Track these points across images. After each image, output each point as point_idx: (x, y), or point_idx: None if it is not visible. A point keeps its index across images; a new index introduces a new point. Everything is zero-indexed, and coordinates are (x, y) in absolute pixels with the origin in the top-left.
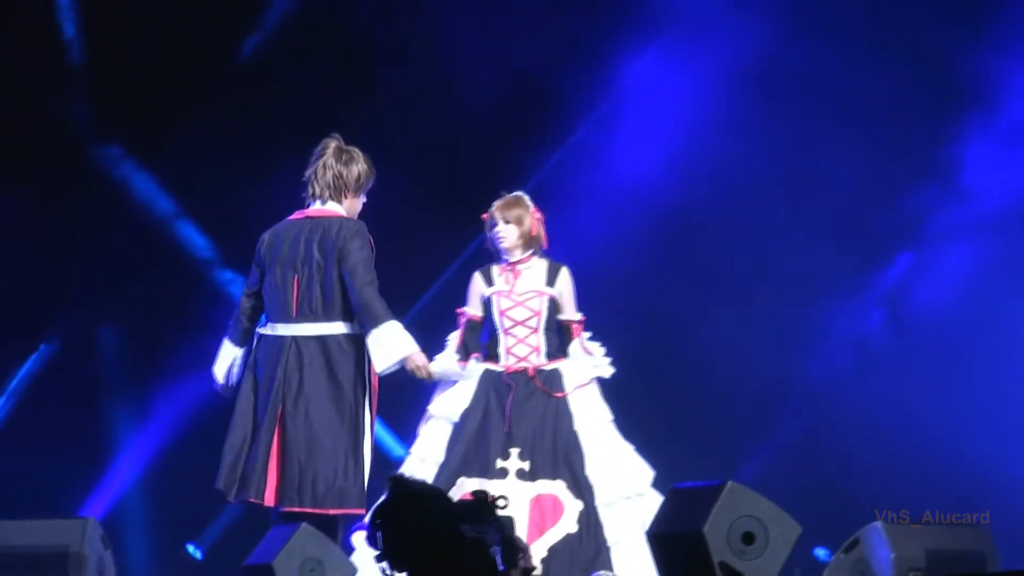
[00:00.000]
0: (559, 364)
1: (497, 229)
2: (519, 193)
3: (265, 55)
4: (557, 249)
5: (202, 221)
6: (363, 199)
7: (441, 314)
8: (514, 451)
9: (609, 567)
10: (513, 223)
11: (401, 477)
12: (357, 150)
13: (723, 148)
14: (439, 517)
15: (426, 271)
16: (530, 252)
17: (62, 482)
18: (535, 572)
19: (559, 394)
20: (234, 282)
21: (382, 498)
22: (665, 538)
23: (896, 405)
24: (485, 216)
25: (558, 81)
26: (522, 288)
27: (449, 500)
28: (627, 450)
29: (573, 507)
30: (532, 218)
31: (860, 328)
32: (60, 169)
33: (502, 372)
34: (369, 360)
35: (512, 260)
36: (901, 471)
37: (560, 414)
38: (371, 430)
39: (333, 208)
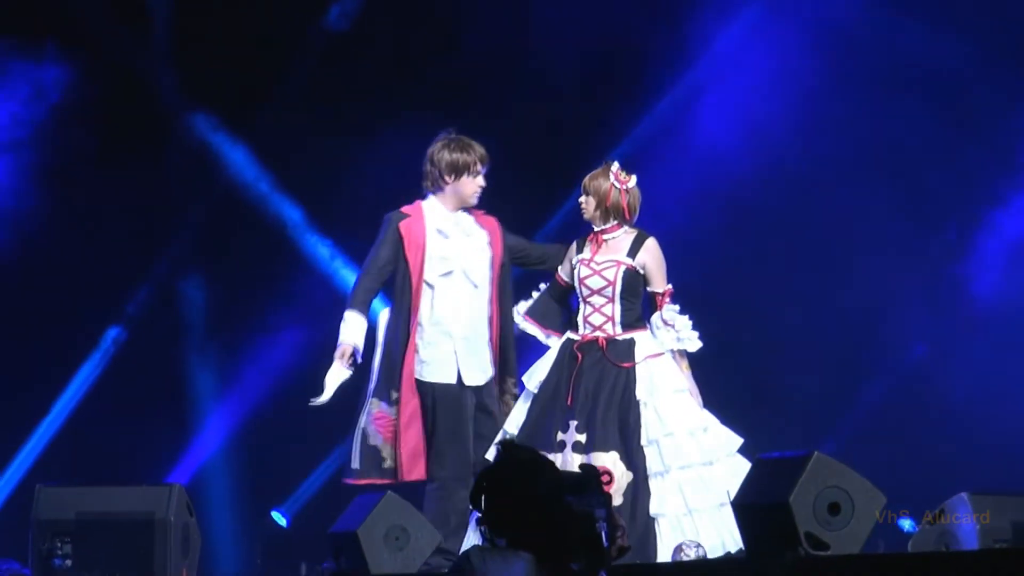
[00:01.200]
0: (634, 334)
1: (580, 199)
2: (609, 163)
3: (351, 23)
4: (643, 217)
5: (292, 190)
6: (468, 181)
7: (532, 283)
8: (573, 423)
9: (655, 539)
10: (592, 194)
11: (511, 443)
12: (463, 138)
13: (807, 116)
14: (546, 486)
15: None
16: (615, 223)
17: (149, 449)
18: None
19: (626, 364)
20: (319, 249)
21: (491, 463)
22: (751, 508)
23: (982, 376)
24: None
25: (643, 47)
26: (602, 258)
27: (557, 470)
28: (701, 419)
29: (623, 479)
30: (613, 189)
31: (943, 299)
32: (152, 139)
33: (577, 341)
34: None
35: (596, 229)
36: (987, 441)
37: (624, 385)
38: (366, 405)
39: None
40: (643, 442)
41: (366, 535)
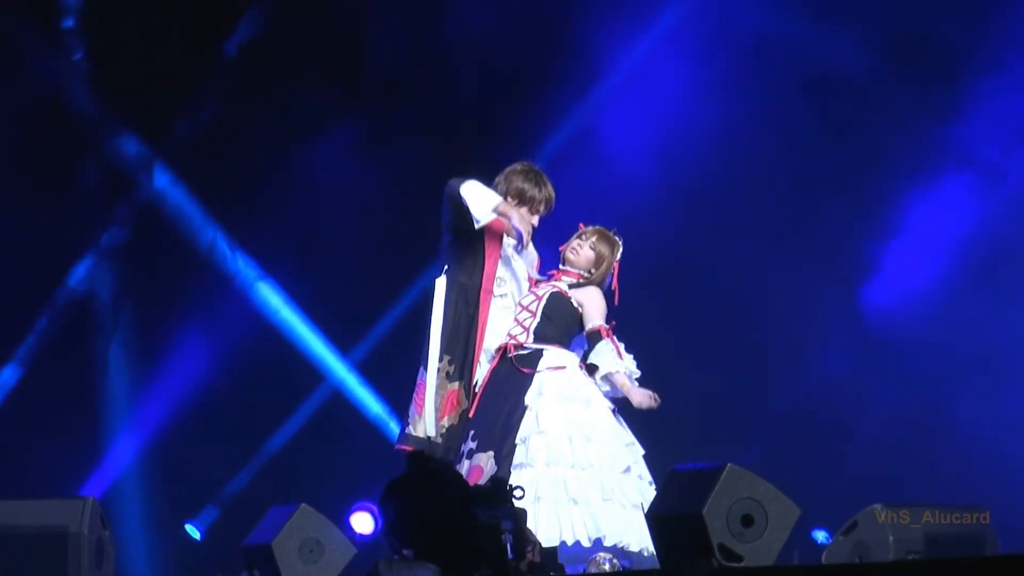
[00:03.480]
0: (545, 347)
1: (576, 240)
2: (620, 237)
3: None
4: (552, 230)
5: (207, 203)
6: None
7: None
8: (471, 432)
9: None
10: (594, 251)
11: (420, 454)
12: (541, 173)
13: (716, 130)
14: (454, 498)
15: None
16: (583, 278)
17: (61, 462)
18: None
19: (527, 370)
20: (234, 262)
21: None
22: (665, 520)
23: (898, 389)
24: (582, 226)
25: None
26: (545, 287)
27: (464, 482)
28: (589, 429)
29: (490, 476)
30: (613, 264)
31: (863, 312)
32: (64, 150)
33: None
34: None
35: (561, 268)
36: (901, 454)
37: (518, 389)
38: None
39: None
40: (516, 441)
41: (280, 548)
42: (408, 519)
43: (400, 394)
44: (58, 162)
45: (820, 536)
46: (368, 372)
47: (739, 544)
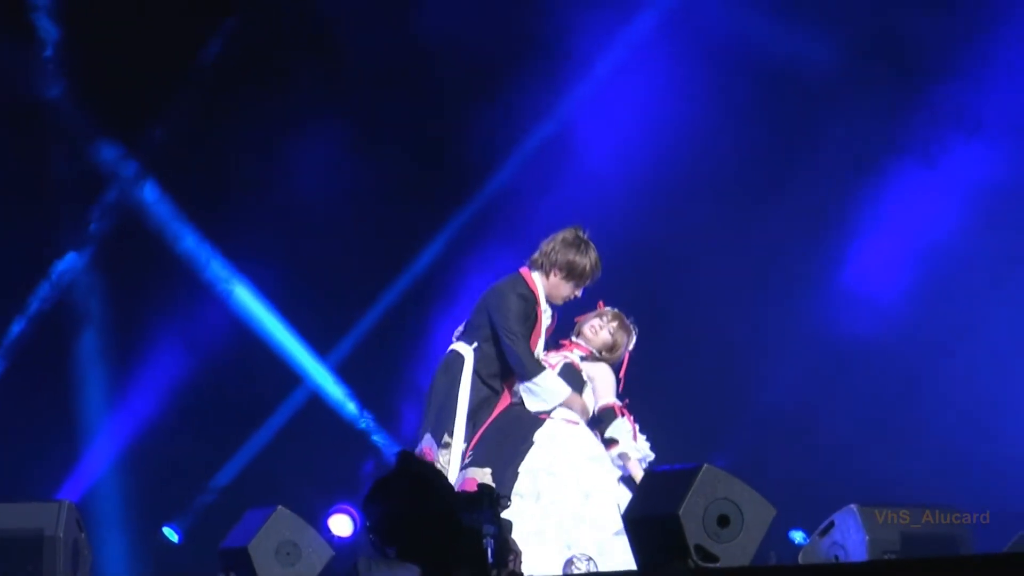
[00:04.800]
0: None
1: (598, 322)
2: (635, 330)
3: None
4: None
5: (184, 206)
6: (570, 288)
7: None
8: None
9: None
10: (613, 336)
11: (408, 454)
12: (590, 244)
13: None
14: (438, 500)
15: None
16: (593, 356)
17: (38, 466)
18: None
19: (543, 415)
20: (213, 267)
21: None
22: (641, 521)
23: (874, 390)
24: (601, 304)
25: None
26: (555, 356)
27: (450, 486)
28: (591, 481)
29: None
30: (625, 353)
31: (838, 314)
32: (42, 149)
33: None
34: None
35: (574, 340)
36: (878, 455)
37: (529, 427)
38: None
39: (533, 276)
40: (520, 469)
41: (257, 550)
42: (392, 519)
43: (377, 396)
44: (34, 161)
45: (797, 536)
46: (346, 374)
47: (715, 544)
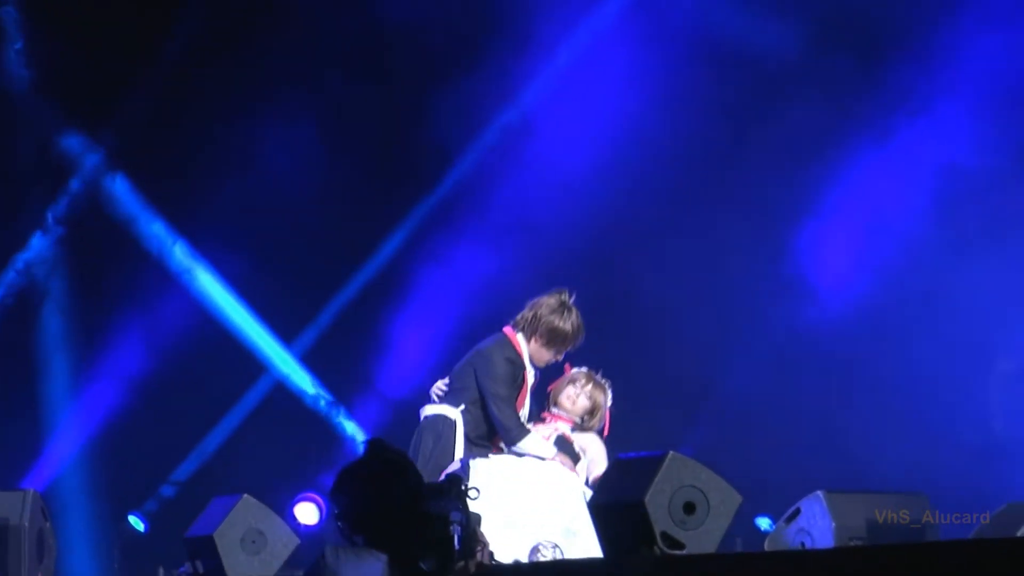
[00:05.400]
0: None
1: (573, 391)
2: (603, 381)
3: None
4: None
5: (149, 192)
6: (552, 353)
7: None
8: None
9: None
10: (590, 402)
11: (379, 441)
12: (573, 310)
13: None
14: (406, 488)
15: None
16: (576, 424)
17: (2, 455)
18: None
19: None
20: (176, 254)
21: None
22: (607, 508)
23: (839, 375)
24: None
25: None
26: (544, 429)
27: (419, 475)
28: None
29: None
30: (603, 411)
31: (801, 300)
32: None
33: None
34: None
35: (554, 412)
36: (844, 441)
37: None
38: None
39: (518, 339)
40: None
41: (222, 539)
42: (360, 505)
43: (342, 384)
44: None
45: (763, 523)
46: (311, 362)
47: (681, 532)
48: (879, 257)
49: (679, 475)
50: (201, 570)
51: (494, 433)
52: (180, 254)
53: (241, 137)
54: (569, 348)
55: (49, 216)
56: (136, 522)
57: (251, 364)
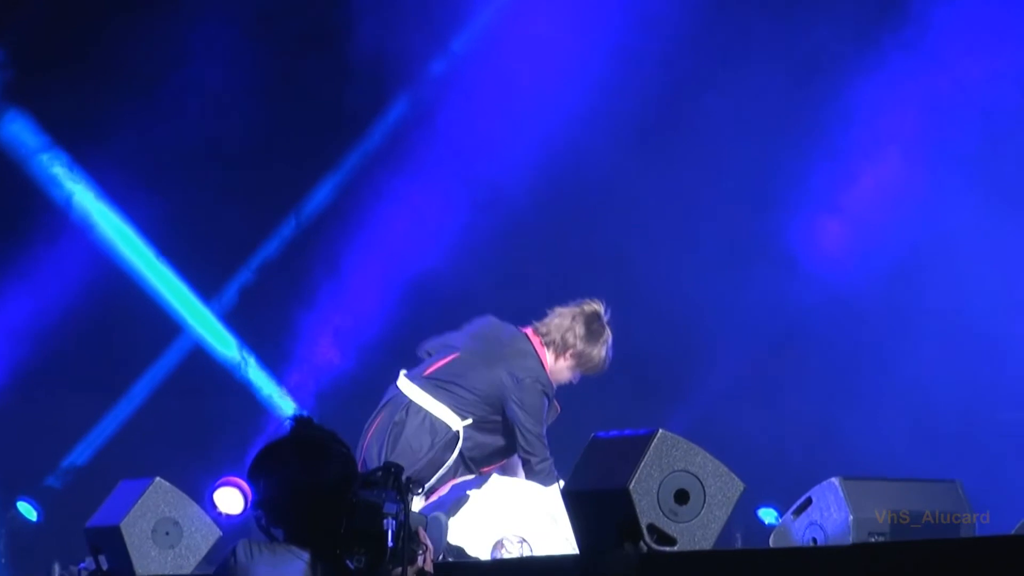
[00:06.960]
0: None
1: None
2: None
3: None
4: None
5: (45, 123)
6: (573, 375)
7: None
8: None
9: None
10: None
11: (307, 419)
12: (607, 332)
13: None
14: (335, 473)
15: None
16: None
17: None
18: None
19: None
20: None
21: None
22: (584, 496)
23: (846, 354)
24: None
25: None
26: None
27: (351, 458)
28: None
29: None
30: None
31: (805, 272)
32: None
33: None
34: None
35: None
36: (854, 423)
37: None
38: None
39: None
40: None
41: (130, 530)
42: (282, 492)
43: (270, 348)
44: None
45: (768, 515)
46: (235, 322)
47: (672, 524)
48: (869, 241)
49: (669, 458)
50: (105, 566)
51: (488, 463)
52: (87, 198)
53: (161, 73)
54: (592, 373)
55: None
56: (27, 509)
57: (165, 324)
